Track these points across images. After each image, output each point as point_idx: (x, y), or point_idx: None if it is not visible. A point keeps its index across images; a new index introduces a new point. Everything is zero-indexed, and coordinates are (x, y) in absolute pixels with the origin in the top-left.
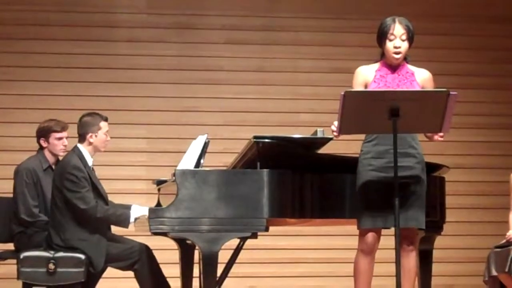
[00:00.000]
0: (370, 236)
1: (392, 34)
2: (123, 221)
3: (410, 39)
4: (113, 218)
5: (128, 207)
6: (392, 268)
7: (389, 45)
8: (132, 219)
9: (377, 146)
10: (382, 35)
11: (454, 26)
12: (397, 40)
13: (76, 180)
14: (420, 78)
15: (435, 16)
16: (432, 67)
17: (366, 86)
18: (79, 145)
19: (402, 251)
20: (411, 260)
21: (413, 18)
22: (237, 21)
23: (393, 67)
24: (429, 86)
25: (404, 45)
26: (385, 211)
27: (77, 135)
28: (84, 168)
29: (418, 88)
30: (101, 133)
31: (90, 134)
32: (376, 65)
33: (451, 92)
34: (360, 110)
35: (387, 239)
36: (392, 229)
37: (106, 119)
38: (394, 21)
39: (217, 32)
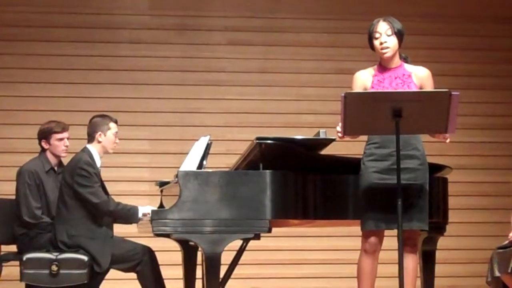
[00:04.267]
0: (373, 237)
1: (377, 32)
2: (132, 215)
3: (397, 34)
4: (124, 211)
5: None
6: (395, 269)
7: (376, 43)
8: (140, 214)
9: (380, 149)
10: (370, 37)
11: (455, 27)
12: (383, 36)
13: (88, 175)
14: (418, 77)
15: (436, 16)
16: (433, 67)
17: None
18: (88, 145)
19: (404, 252)
20: (412, 261)
21: (415, 19)
22: (239, 22)
23: (389, 69)
24: (428, 84)
25: (391, 40)
26: (389, 213)
27: (79, 137)
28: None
29: (415, 90)
30: (110, 134)
31: (99, 133)
32: (373, 69)
33: (453, 92)
34: (362, 111)
35: (391, 240)
36: (395, 230)
37: (115, 121)
38: (378, 21)
39: (220, 34)
